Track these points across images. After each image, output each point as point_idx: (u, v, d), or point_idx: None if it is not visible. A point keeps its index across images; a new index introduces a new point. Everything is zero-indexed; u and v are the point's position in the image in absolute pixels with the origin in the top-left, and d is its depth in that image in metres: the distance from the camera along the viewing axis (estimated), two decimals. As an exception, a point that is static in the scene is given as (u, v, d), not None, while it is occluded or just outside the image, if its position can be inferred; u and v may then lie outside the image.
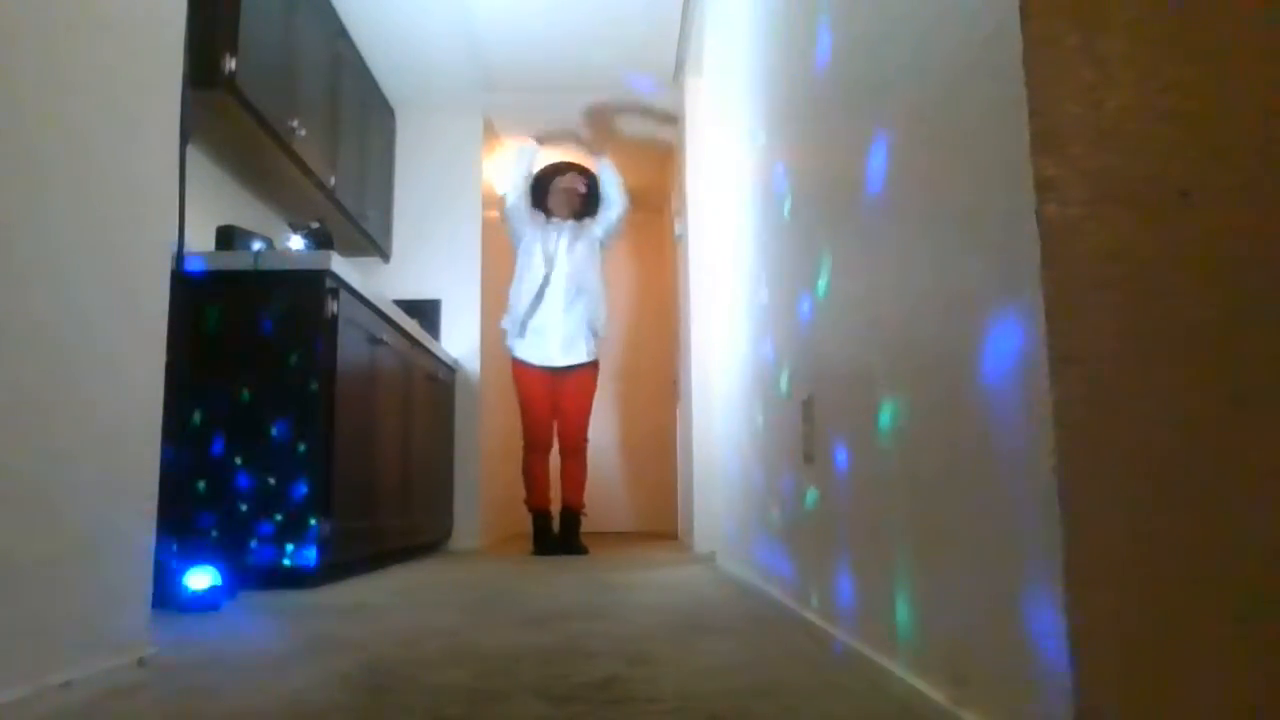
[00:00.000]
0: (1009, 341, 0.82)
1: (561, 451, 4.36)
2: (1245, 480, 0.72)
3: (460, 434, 4.61)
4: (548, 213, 4.53)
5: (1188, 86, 0.77)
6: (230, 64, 2.70)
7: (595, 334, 4.39)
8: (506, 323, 4.41)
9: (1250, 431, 0.73)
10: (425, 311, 4.59)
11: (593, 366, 4.40)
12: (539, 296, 4.33)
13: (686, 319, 4.33)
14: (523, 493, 4.42)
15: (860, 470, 1.38)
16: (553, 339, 4.32)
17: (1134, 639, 0.70)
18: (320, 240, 3.15)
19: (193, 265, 2.52)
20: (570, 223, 4.48)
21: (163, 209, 1.44)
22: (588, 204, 4.57)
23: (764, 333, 2.30)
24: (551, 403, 4.37)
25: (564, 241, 4.40)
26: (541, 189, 4.59)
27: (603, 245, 4.51)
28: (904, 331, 1.16)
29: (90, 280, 1.22)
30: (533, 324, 4.33)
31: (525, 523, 4.50)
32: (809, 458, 1.73)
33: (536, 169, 4.54)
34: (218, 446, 2.54)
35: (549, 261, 4.36)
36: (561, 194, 4.50)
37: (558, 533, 4.30)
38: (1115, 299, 0.75)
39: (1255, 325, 0.74)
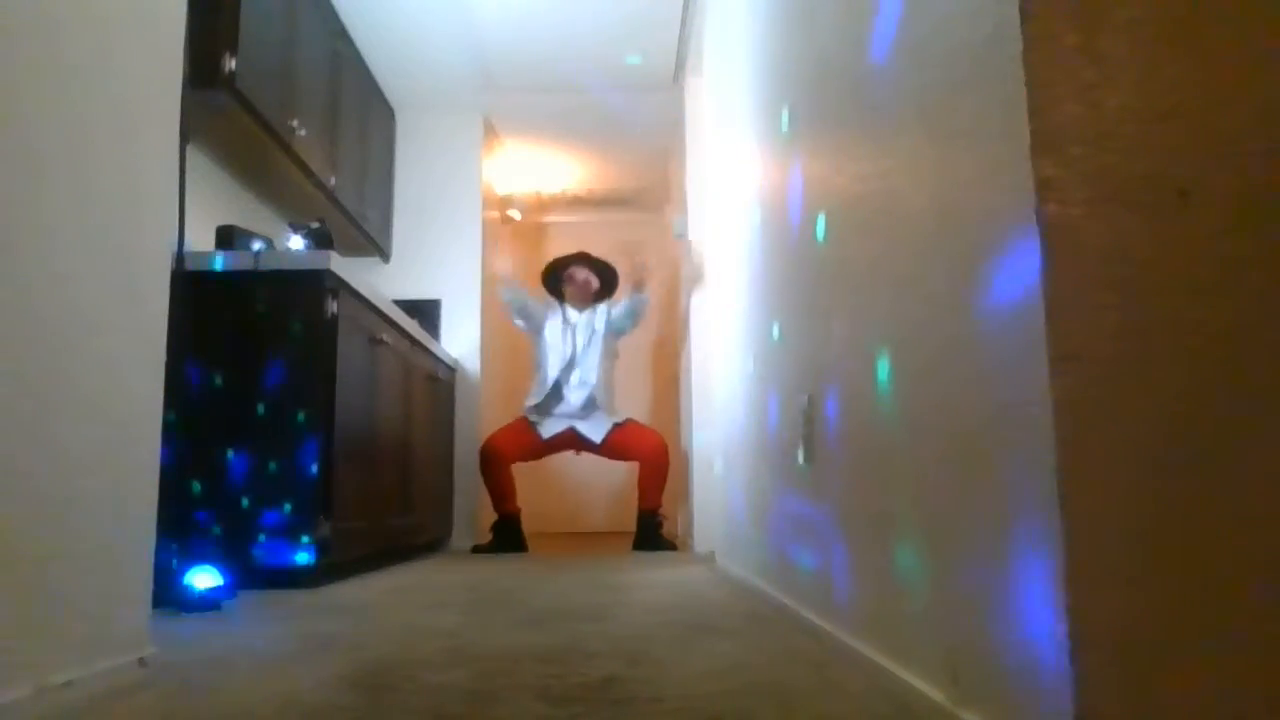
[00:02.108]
0: (1009, 341, 0.82)
1: (639, 462, 4.47)
2: (1245, 480, 0.72)
3: (460, 434, 4.61)
4: (562, 298, 4.61)
5: (1188, 86, 0.77)
6: (230, 64, 2.70)
7: (611, 417, 4.50)
8: (530, 409, 4.51)
9: (1250, 431, 0.73)
10: (425, 311, 4.60)
11: (628, 421, 4.52)
12: (559, 385, 4.46)
13: (686, 318, 4.33)
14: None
15: (860, 470, 1.38)
16: (575, 424, 4.44)
17: (1134, 639, 0.70)
18: (320, 240, 3.15)
19: (193, 265, 2.52)
20: (585, 316, 4.54)
21: (163, 209, 1.44)
22: (603, 293, 4.67)
23: (764, 332, 2.30)
24: (530, 454, 4.52)
25: (580, 337, 4.50)
26: (555, 277, 4.69)
27: (613, 335, 4.58)
28: (904, 331, 1.16)
29: (90, 280, 1.22)
30: (556, 411, 4.46)
31: (525, 522, 4.51)
32: (809, 458, 1.73)
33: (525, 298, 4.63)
34: (218, 446, 2.54)
35: (566, 354, 4.48)
36: (575, 287, 4.59)
37: (635, 537, 4.40)
38: (1115, 299, 0.75)
39: (1255, 325, 0.74)
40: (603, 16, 3.97)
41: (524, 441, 4.47)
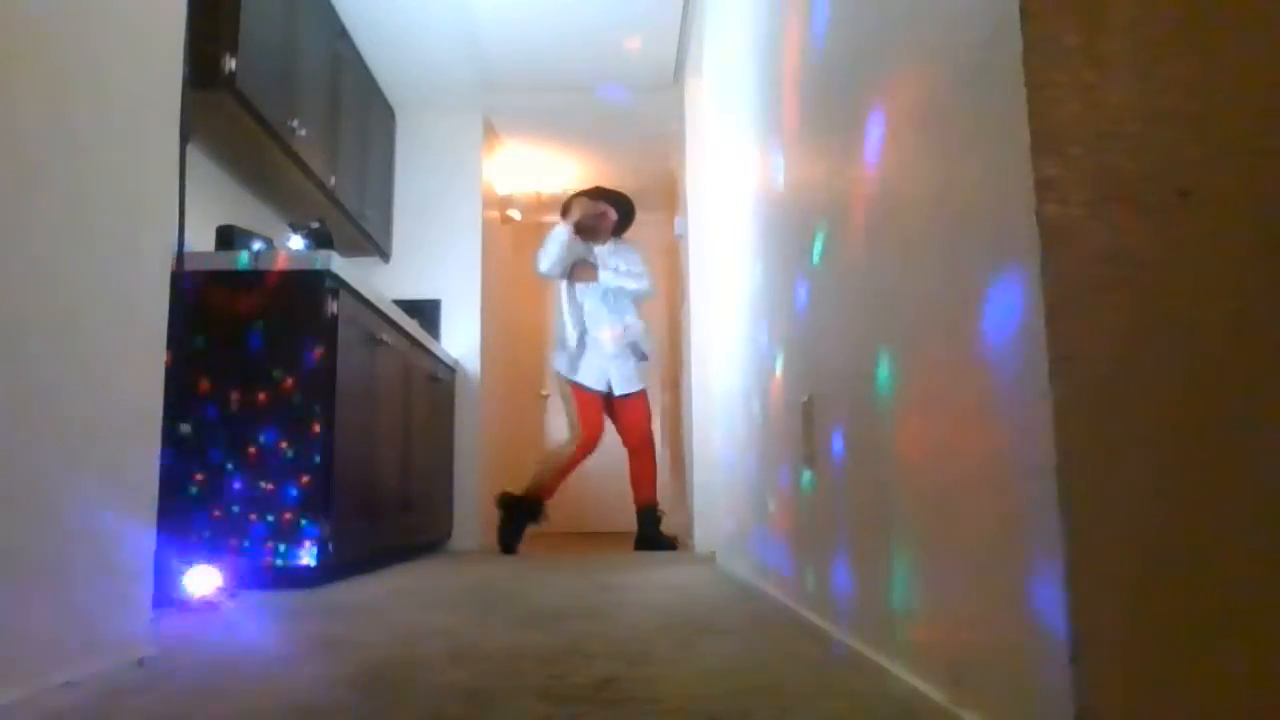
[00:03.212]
0: (1009, 342, 0.82)
1: (629, 452, 4.50)
2: (1245, 480, 0.72)
3: (460, 434, 4.61)
4: (582, 234, 4.64)
5: (1188, 86, 0.77)
6: (230, 64, 2.70)
7: (644, 357, 4.54)
8: (560, 362, 4.53)
9: (1250, 431, 0.73)
10: (425, 311, 4.60)
11: (643, 391, 4.55)
12: (588, 331, 4.49)
13: (687, 318, 4.33)
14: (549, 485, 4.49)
15: (860, 470, 1.38)
16: (609, 370, 4.47)
17: (1134, 639, 0.70)
18: (320, 240, 3.15)
19: (193, 265, 2.52)
20: (607, 251, 4.57)
21: (163, 209, 1.44)
22: (621, 224, 4.71)
23: (764, 332, 2.30)
24: (604, 415, 4.55)
25: (604, 276, 4.52)
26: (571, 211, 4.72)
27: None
28: (905, 332, 1.16)
29: (90, 281, 1.22)
30: (586, 356, 4.48)
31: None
32: (809, 458, 1.73)
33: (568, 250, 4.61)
34: (217, 446, 2.54)
35: (591, 298, 4.52)
36: (593, 221, 4.61)
37: (638, 533, 4.41)
38: (1115, 299, 0.75)
39: (1255, 325, 0.74)
40: (603, 16, 3.97)
41: (598, 407, 4.48)
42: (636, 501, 4.44)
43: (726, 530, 3.21)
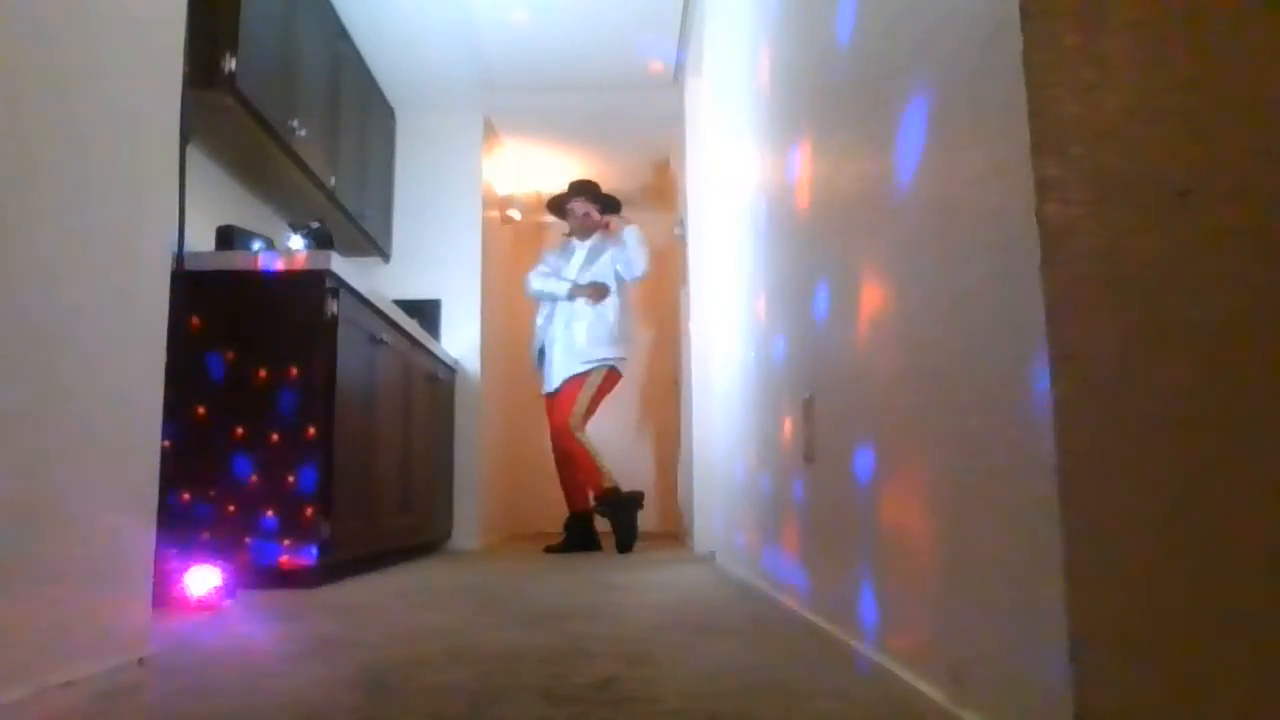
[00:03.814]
0: (1009, 341, 0.82)
1: None
2: (1245, 480, 0.72)
3: (460, 434, 4.61)
4: (569, 231, 4.69)
5: (1188, 86, 0.77)
6: (230, 64, 2.70)
7: (586, 359, 4.41)
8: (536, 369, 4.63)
9: (1250, 431, 0.73)
10: (425, 311, 4.60)
11: (572, 380, 4.41)
12: (544, 327, 4.54)
13: (687, 318, 4.33)
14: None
15: (860, 469, 1.38)
16: (552, 366, 4.49)
17: (1134, 639, 0.70)
18: (320, 240, 3.15)
19: (193, 265, 2.52)
20: (585, 253, 4.57)
21: (163, 209, 1.44)
22: (606, 215, 4.72)
23: (764, 332, 2.30)
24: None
25: (575, 274, 4.54)
26: (559, 210, 4.76)
27: (620, 281, 4.58)
28: (905, 332, 1.16)
29: (90, 281, 1.22)
30: (546, 363, 4.54)
31: (525, 523, 4.51)
32: (809, 457, 1.73)
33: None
34: (218, 446, 2.54)
35: (554, 297, 4.54)
36: (575, 220, 4.64)
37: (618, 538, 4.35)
38: (1115, 299, 0.75)
39: (1255, 325, 0.74)
40: (602, 16, 3.97)
41: (548, 405, 4.50)
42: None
43: (726, 530, 3.21)
